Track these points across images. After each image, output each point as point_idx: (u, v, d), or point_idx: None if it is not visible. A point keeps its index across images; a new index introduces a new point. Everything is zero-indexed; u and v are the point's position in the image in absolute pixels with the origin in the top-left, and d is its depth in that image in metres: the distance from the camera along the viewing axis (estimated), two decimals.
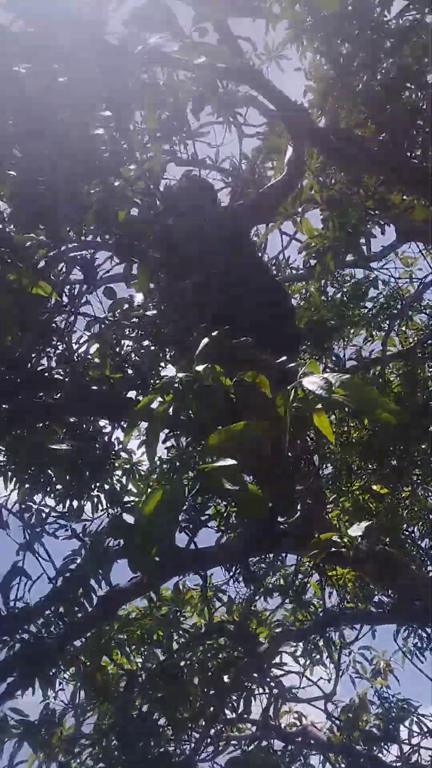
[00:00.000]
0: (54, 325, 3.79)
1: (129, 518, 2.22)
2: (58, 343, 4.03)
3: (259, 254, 4.05)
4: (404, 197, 3.46)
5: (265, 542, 2.94)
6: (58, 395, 3.85)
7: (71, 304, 3.28)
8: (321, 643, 4.69)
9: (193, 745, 3.84)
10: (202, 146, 6.15)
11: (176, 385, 2.31)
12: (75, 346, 4.25)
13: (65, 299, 3.42)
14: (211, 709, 3.60)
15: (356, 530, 2.69)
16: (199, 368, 2.25)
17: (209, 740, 3.96)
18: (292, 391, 1.79)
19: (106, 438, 4.91)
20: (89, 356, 4.28)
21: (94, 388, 3.82)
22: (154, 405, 2.06)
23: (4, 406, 2.99)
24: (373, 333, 4.89)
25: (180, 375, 2.30)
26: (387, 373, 4.75)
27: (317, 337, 4.42)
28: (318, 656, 4.76)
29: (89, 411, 3.86)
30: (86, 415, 4.01)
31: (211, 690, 3.66)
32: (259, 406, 2.70)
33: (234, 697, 3.84)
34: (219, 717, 3.79)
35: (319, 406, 1.84)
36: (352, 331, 4.87)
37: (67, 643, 3.00)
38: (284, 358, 2.41)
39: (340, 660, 4.93)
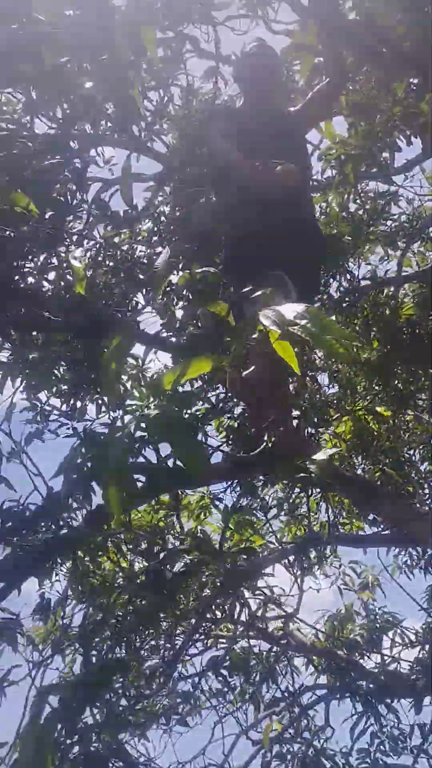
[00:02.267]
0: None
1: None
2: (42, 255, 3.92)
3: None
4: None
5: (250, 463, 2.96)
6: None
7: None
8: (312, 554, 4.80)
9: (181, 640, 4.01)
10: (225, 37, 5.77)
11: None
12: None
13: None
14: (200, 609, 3.72)
15: (321, 455, 2.68)
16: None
17: (198, 636, 4.13)
18: (252, 322, 1.74)
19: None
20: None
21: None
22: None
23: None
24: (389, 252, 4.74)
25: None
26: (400, 294, 4.65)
27: (332, 253, 4.29)
28: (308, 567, 4.89)
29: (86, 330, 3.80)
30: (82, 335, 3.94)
31: (203, 591, 3.77)
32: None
33: (223, 600, 3.97)
34: (206, 616, 3.93)
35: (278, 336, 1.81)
36: (368, 248, 4.72)
37: (54, 553, 3.05)
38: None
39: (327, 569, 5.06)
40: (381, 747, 4.69)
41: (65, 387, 4.94)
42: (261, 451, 2.69)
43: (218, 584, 3.80)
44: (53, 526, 2.55)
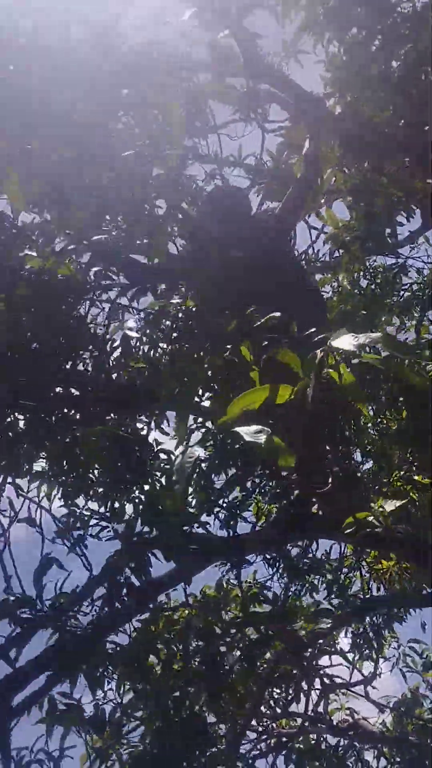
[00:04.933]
0: (84, 324, 3.87)
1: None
2: (91, 349, 4.11)
3: (291, 252, 4.06)
4: (428, 181, 3.42)
5: (297, 525, 2.92)
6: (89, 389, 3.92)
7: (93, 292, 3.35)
8: (370, 633, 4.65)
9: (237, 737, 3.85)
10: (224, 142, 6.13)
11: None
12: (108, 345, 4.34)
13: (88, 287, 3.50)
14: (254, 700, 3.60)
15: (390, 505, 2.65)
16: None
17: (258, 735, 3.96)
18: (320, 354, 1.78)
19: (143, 440, 4.97)
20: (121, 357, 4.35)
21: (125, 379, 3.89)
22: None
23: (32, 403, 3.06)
24: (406, 321, 4.83)
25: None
26: (419, 362, 4.69)
27: (349, 328, 4.39)
28: (366, 649, 4.72)
29: (119, 404, 3.92)
30: (115, 408, 4.07)
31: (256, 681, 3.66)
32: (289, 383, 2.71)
33: (279, 690, 3.84)
34: (262, 710, 3.78)
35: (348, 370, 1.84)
36: (384, 319, 4.82)
37: (104, 634, 3.04)
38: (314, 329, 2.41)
39: (384, 650, 4.87)
40: None
41: (101, 489, 4.99)
42: (312, 514, 2.68)
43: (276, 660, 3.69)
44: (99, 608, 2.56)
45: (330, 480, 2.86)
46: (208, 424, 3.94)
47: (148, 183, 3.82)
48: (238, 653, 3.18)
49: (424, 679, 5.19)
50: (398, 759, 4.91)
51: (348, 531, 2.54)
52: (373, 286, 5.01)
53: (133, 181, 3.87)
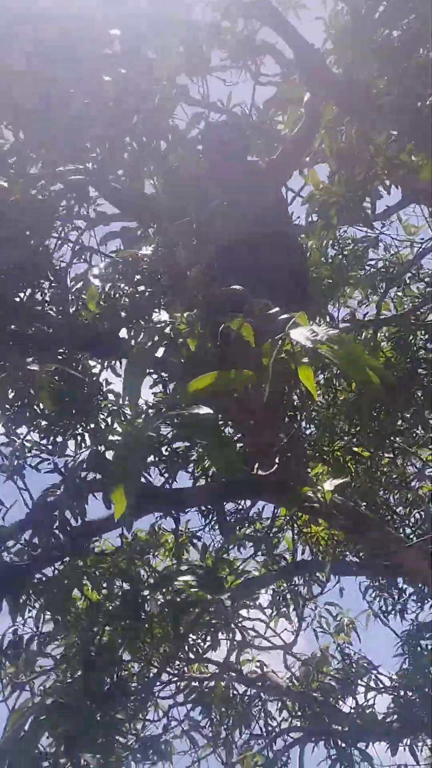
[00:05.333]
0: (47, 257, 3.78)
1: (108, 454, 2.23)
2: (51, 280, 4.02)
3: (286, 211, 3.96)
4: (413, 157, 3.42)
5: (242, 488, 2.97)
6: (48, 329, 3.85)
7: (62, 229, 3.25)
8: (288, 595, 4.79)
9: (152, 679, 3.95)
10: (214, 86, 5.96)
11: (166, 330, 2.29)
12: (70, 283, 4.25)
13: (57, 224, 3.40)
14: (173, 646, 3.68)
15: (329, 485, 2.73)
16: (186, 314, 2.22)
17: (170, 677, 4.07)
18: (279, 341, 1.78)
19: (94, 378, 4.93)
20: (83, 296, 4.27)
21: (85, 321, 3.83)
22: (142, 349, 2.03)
23: None
24: (369, 296, 4.88)
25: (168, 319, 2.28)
26: (379, 337, 4.76)
27: (313, 295, 4.40)
28: (284, 607, 4.87)
29: (77, 346, 3.86)
30: (74, 350, 4.01)
31: (175, 628, 3.74)
32: (246, 356, 2.71)
33: (197, 638, 3.93)
34: (179, 654, 3.88)
35: (305, 359, 1.85)
36: (347, 291, 4.86)
37: (37, 570, 3.05)
38: (277, 309, 2.40)
39: (303, 613, 5.03)
40: None
41: (45, 422, 4.95)
42: (256, 476, 2.71)
43: (192, 621, 3.77)
44: (34, 544, 2.55)
45: (274, 445, 2.90)
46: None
47: (131, 116, 3.70)
48: (161, 600, 3.23)
49: (334, 641, 5.40)
50: (300, 713, 5.13)
51: (289, 500, 2.60)
52: (340, 257, 5.02)
53: (116, 112, 3.75)
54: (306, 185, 3.90)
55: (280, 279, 2.85)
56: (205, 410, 1.45)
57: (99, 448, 4.75)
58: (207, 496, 3.07)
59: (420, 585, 4.92)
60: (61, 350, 3.85)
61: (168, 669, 3.86)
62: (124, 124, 3.78)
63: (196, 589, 2.93)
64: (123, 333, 4.30)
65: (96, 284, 3.84)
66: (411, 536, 4.96)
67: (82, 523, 2.77)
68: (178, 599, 3.10)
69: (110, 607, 3.46)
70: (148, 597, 3.15)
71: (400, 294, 5.06)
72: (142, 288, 4.49)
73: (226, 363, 3.09)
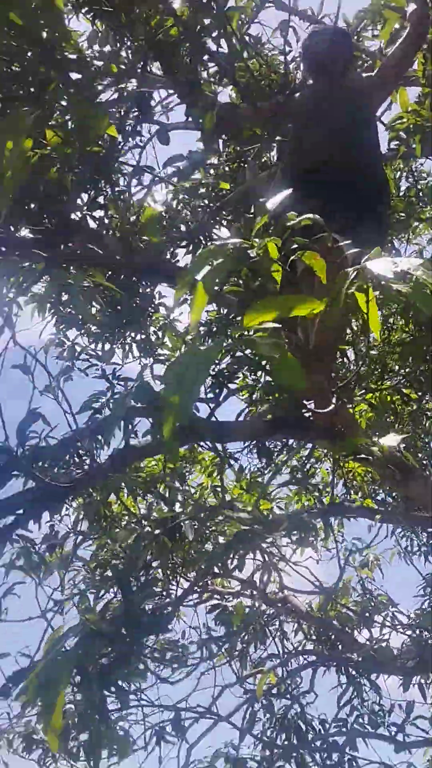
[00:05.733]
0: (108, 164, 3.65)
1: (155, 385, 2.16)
2: (107, 186, 3.90)
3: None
4: None
5: (291, 426, 2.89)
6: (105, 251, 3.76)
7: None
8: (320, 525, 4.82)
9: (180, 590, 4.07)
10: None
11: (228, 253, 2.17)
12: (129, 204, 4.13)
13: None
14: (202, 564, 3.77)
15: (391, 440, 2.64)
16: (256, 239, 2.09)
17: (196, 588, 4.19)
18: (354, 273, 1.67)
19: (147, 290, 4.89)
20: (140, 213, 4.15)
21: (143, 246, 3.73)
22: (203, 272, 1.92)
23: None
24: None
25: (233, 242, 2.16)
26: None
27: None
28: (313, 538, 4.92)
29: (134, 270, 3.77)
30: (131, 274, 3.93)
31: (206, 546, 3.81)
32: (312, 292, 2.59)
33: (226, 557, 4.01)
34: (209, 571, 3.98)
35: (372, 296, 1.75)
36: (419, 228, 4.64)
37: (76, 492, 3.08)
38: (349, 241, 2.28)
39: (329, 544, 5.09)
40: (360, 719, 4.78)
41: (95, 328, 4.95)
42: (307, 416, 2.65)
43: (223, 541, 3.84)
44: (78, 462, 2.57)
45: (328, 385, 2.80)
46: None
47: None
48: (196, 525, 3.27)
49: (357, 575, 5.48)
50: (314, 637, 5.28)
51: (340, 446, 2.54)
52: (415, 190, 4.77)
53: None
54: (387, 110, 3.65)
55: (361, 209, 2.70)
56: (271, 324, 1.38)
57: (149, 361, 4.77)
58: (252, 432, 3.02)
59: None
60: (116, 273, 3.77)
61: (197, 584, 3.96)
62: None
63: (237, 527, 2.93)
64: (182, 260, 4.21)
65: (156, 208, 3.73)
66: None
67: (125, 447, 2.74)
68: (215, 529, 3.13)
69: (146, 525, 3.53)
70: (184, 521, 3.20)
71: None
72: (203, 207, 4.37)
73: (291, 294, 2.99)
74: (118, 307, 4.91)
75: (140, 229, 4.18)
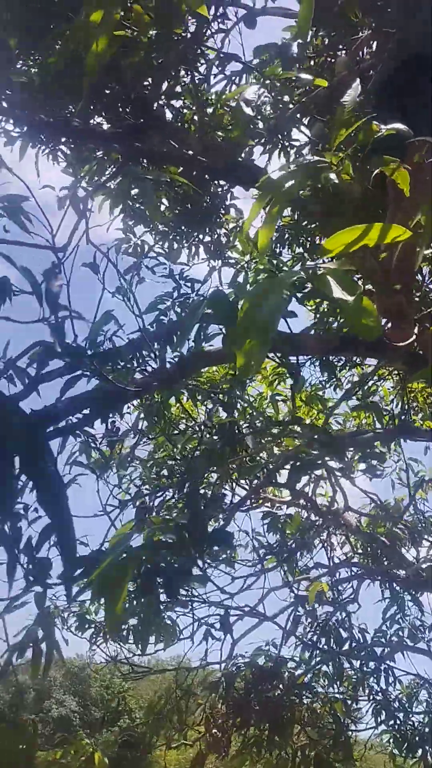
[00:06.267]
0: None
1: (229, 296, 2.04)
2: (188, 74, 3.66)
3: None
4: None
5: (365, 345, 2.76)
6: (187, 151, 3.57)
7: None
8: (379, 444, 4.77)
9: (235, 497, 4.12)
10: None
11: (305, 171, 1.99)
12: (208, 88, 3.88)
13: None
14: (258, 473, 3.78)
15: None
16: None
17: (251, 496, 4.24)
18: None
19: (219, 191, 4.70)
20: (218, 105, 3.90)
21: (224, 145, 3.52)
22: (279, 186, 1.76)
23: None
24: None
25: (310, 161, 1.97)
26: None
27: None
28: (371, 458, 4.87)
29: (214, 171, 3.58)
30: (210, 175, 3.74)
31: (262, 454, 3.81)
32: (398, 206, 2.39)
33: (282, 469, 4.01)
34: (266, 481, 4.00)
35: None
36: None
37: (144, 392, 3.05)
38: None
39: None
40: (399, 633, 4.89)
41: (162, 226, 4.83)
42: (385, 339, 2.53)
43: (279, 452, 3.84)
44: (143, 363, 2.53)
45: (407, 310, 2.64)
46: None
47: None
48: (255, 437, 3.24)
49: (410, 494, 5.46)
50: (360, 551, 5.35)
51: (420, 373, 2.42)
52: None
53: None
54: None
55: None
56: (347, 266, 1.26)
57: (217, 263, 4.63)
58: (324, 347, 2.90)
59: None
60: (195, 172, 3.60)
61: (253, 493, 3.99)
62: None
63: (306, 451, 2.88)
64: (261, 162, 3.98)
65: (246, 110, 3.49)
66: None
67: (195, 353, 2.67)
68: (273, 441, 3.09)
69: (205, 431, 3.52)
70: (246, 431, 3.17)
71: None
72: (286, 104, 4.08)
73: (372, 211, 2.78)
74: (188, 206, 4.76)
75: (218, 124, 3.97)
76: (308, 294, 4.50)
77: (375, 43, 2.99)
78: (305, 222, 4.15)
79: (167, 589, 1.93)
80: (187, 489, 2.89)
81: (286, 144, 4.11)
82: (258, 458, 3.77)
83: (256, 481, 3.99)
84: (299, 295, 4.15)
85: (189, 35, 3.03)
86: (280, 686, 4.41)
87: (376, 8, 2.86)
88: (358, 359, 4.89)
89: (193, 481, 3.01)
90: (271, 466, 3.74)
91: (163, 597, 2.91)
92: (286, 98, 4.03)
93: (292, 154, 4.15)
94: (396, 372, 4.85)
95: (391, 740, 4.92)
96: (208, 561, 3.72)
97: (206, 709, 4.67)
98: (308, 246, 4.37)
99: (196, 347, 2.24)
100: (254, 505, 4.88)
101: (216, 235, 4.66)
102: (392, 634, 4.79)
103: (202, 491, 3.13)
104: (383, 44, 2.49)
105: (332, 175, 1.74)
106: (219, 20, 3.40)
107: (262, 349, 1.19)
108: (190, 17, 3.20)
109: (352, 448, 3.79)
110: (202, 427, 3.61)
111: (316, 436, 2.94)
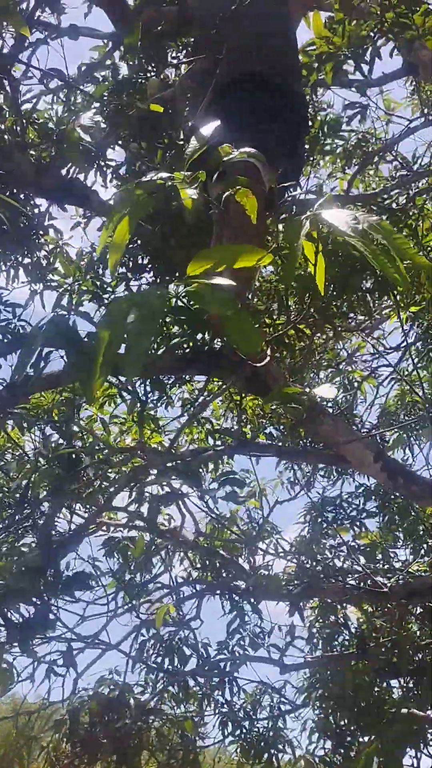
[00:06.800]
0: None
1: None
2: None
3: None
4: (426, 19, 3.11)
5: (211, 365, 2.76)
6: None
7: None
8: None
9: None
10: None
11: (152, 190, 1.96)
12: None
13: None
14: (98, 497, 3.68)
15: (326, 391, 2.59)
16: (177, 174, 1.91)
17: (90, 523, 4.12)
18: (306, 222, 1.55)
19: (37, 210, 4.57)
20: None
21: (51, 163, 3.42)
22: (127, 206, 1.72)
23: None
24: (344, 169, 4.63)
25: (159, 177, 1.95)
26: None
27: None
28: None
29: (43, 190, 3.47)
30: (41, 195, 3.62)
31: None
32: (240, 229, 2.43)
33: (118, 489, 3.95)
34: (105, 505, 3.91)
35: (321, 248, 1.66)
36: (321, 162, 4.59)
37: None
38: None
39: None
40: (240, 642, 4.98)
41: None
42: (229, 359, 2.54)
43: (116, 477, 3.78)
44: None
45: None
46: None
47: None
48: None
49: (245, 506, 5.61)
50: (199, 565, 5.41)
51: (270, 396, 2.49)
52: (318, 121, 4.70)
53: None
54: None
55: (279, 131, 2.59)
56: (224, 281, 1.26)
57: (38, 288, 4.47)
58: (169, 366, 2.87)
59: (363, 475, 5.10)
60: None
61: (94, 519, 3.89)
62: None
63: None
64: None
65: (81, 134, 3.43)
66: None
67: (29, 377, 2.53)
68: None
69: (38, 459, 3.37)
70: (83, 459, 3.07)
71: (371, 173, 4.84)
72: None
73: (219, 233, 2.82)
74: (3, 227, 4.57)
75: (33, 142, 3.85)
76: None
77: (194, 65, 3.06)
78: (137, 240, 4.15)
79: (19, 643, 1.80)
80: (33, 526, 2.73)
81: (102, 164, 4.11)
82: (98, 484, 3.69)
83: (94, 508, 3.89)
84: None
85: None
86: (127, 714, 4.32)
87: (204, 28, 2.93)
88: (186, 376, 4.97)
89: (44, 521, 2.85)
90: (111, 490, 3.67)
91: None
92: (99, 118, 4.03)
93: (108, 174, 4.15)
94: (230, 390, 4.98)
95: (238, 749, 5.00)
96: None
97: (50, 751, 4.46)
98: (131, 266, 4.37)
99: (35, 373, 2.12)
100: (92, 531, 4.75)
101: (35, 257, 4.51)
102: (234, 645, 4.87)
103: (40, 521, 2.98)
104: (205, 66, 2.55)
105: (188, 193, 1.72)
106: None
107: (136, 366, 1.13)
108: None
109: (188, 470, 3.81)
110: (36, 454, 3.46)
111: (170, 465, 2.92)
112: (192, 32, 2.55)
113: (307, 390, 2.37)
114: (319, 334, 5.50)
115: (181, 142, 2.82)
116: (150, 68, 3.66)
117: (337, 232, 1.34)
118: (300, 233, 1.42)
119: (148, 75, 3.71)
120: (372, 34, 3.29)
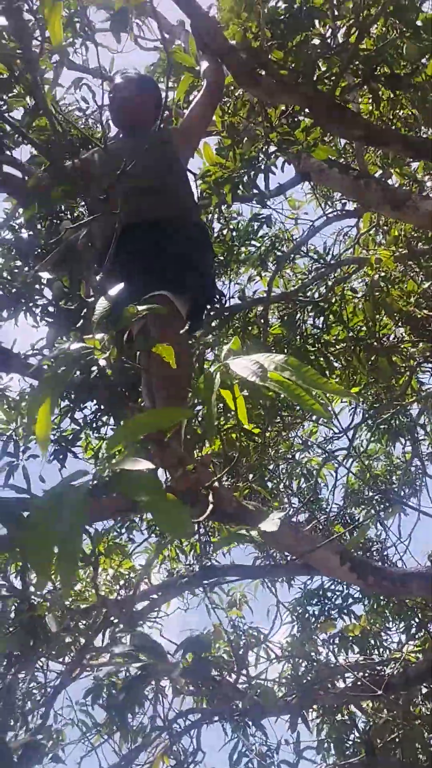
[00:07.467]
0: None
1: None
2: None
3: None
4: (308, 135, 3.34)
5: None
6: None
7: None
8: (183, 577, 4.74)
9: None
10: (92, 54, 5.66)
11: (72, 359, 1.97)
12: None
13: None
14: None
15: (271, 525, 2.57)
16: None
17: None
18: (216, 374, 1.60)
19: None
20: None
21: None
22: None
23: None
24: (261, 273, 4.82)
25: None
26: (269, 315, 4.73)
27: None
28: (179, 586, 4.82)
29: None
30: None
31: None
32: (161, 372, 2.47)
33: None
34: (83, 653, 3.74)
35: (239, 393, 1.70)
36: (239, 269, 4.78)
37: None
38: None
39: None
40: (249, 765, 4.71)
41: None
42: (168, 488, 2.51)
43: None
44: None
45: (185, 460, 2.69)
46: None
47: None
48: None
49: (227, 616, 5.45)
50: (191, 687, 5.16)
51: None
52: (232, 233, 4.92)
53: None
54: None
55: (184, 265, 2.69)
56: (143, 464, 1.24)
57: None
58: (116, 510, 2.83)
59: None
60: None
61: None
62: None
63: None
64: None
65: None
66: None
67: None
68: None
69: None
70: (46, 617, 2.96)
71: (289, 271, 5.05)
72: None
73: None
74: None
75: None
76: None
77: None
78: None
79: None
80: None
81: (30, 304, 4.17)
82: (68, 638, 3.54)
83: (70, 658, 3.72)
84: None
85: None
86: None
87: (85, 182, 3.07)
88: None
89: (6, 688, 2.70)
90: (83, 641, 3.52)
91: None
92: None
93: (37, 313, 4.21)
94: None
95: None
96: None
97: None
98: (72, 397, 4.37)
99: None
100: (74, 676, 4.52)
101: None
102: None
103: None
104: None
105: (101, 361, 1.74)
106: None
107: (70, 567, 1.09)
108: None
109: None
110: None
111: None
112: (88, 192, 2.66)
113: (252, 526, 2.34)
114: (269, 428, 5.58)
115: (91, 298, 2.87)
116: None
117: (246, 383, 1.37)
118: (213, 389, 1.46)
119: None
120: (260, 155, 3.51)
